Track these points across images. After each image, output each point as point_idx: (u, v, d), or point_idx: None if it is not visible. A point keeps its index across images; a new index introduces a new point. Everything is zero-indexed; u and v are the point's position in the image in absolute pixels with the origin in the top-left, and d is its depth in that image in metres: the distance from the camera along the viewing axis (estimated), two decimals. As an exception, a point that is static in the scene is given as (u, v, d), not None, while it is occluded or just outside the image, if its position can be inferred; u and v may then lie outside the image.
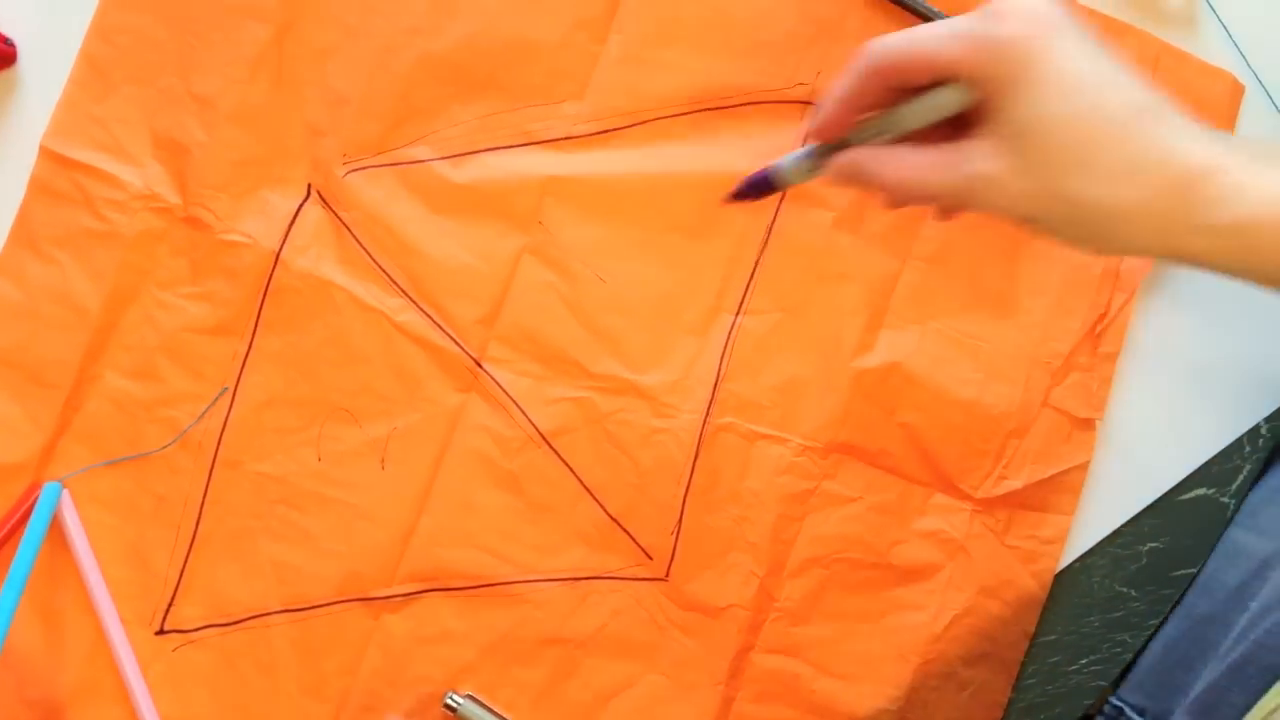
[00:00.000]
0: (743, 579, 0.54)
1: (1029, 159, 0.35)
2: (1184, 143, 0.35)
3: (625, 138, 0.53)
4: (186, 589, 0.53)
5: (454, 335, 0.53)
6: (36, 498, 0.51)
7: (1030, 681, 0.55)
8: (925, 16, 0.53)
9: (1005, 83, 0.34)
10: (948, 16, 0.53)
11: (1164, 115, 0.35)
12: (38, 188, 0.52)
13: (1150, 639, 0.55)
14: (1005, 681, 0.54)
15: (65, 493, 0.52)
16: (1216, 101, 0.54)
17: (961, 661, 0.54)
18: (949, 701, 0.54)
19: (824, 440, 0.54)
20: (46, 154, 0.52)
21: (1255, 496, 0.55)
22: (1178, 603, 0.54)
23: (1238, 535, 0.54)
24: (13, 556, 0.51)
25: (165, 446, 0.52)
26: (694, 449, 0.54)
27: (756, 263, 0.54)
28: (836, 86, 0.38)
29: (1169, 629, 0.54)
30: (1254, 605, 0.49)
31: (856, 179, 0.39)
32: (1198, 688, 0.49)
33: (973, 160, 0.36)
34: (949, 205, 0.38)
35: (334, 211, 0.53)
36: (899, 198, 0.38)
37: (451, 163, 0.53)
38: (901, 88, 0.37)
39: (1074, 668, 0.55)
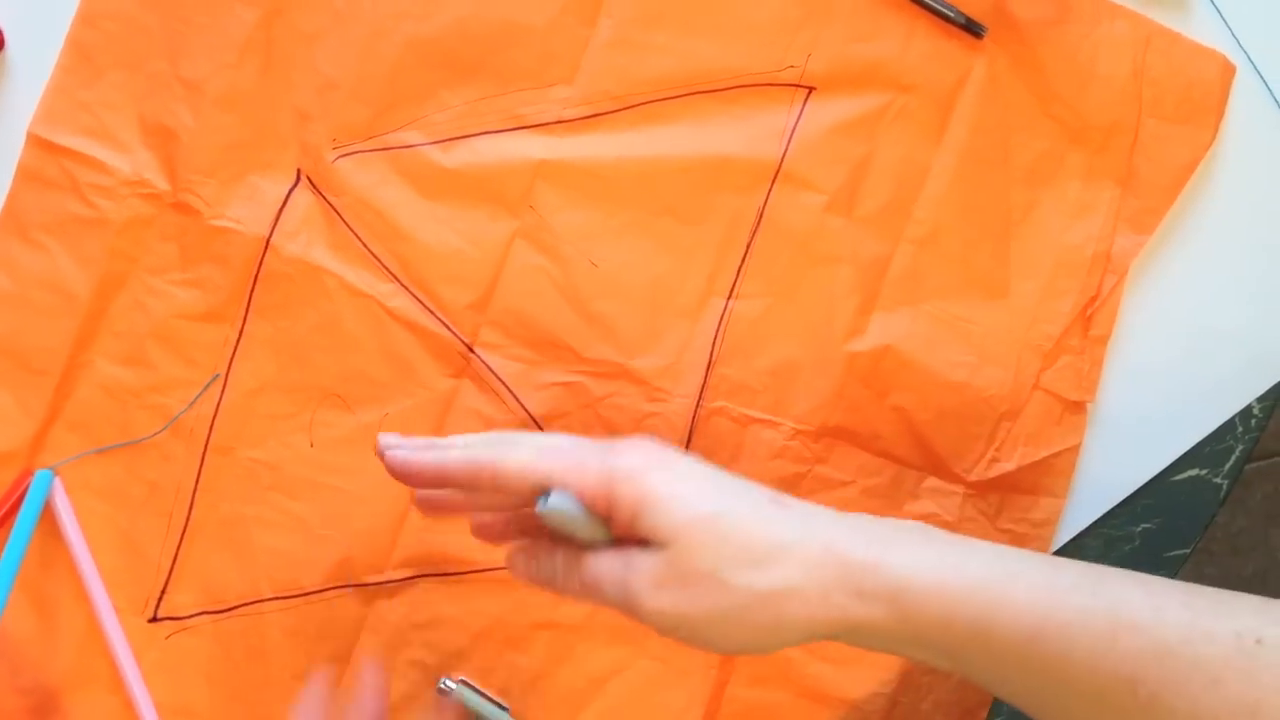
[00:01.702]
0: (736, 563, 0.54)
1: (674, 563, 0.38)
2: (819, 524, 0.39)
3: (615, 121, 0.53)
4: (179, 576, 0.53)
5: (445, 320, 0.53)
6: (28, 485, 0.51)
7: (1023, 664, 0.55)
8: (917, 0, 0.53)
9: (634, 505, 0.38)
10: (940, 0, 0.53)
11: (788, 502, 0.39)
12: (26, 175, 0.52)
13: None
14: (998, 663, 0.54)
15: (57, 480, 0.52)
16: (1208, 83, 0.54)
17: (954, 644, 0.54)
18: (941, 684, 0.54)
19: (816, 424, 0.54)
20: (34, 140, 0.52)
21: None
22: None
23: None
24: (4, 545, 0.51)
25: (156, 434, 0.52)
26: (686, 433, 0.54)
27: (748, 246, 0.54)
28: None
29: None
30: None
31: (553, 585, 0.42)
32: None
33: (631, 565, 0.39)
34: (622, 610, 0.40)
35: (324, 196, 0.53)
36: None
37: (441, 147, 0.53)
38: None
39: (1067, 650, 0.55)
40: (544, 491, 0.39)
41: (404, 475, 0.42)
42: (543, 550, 0.42)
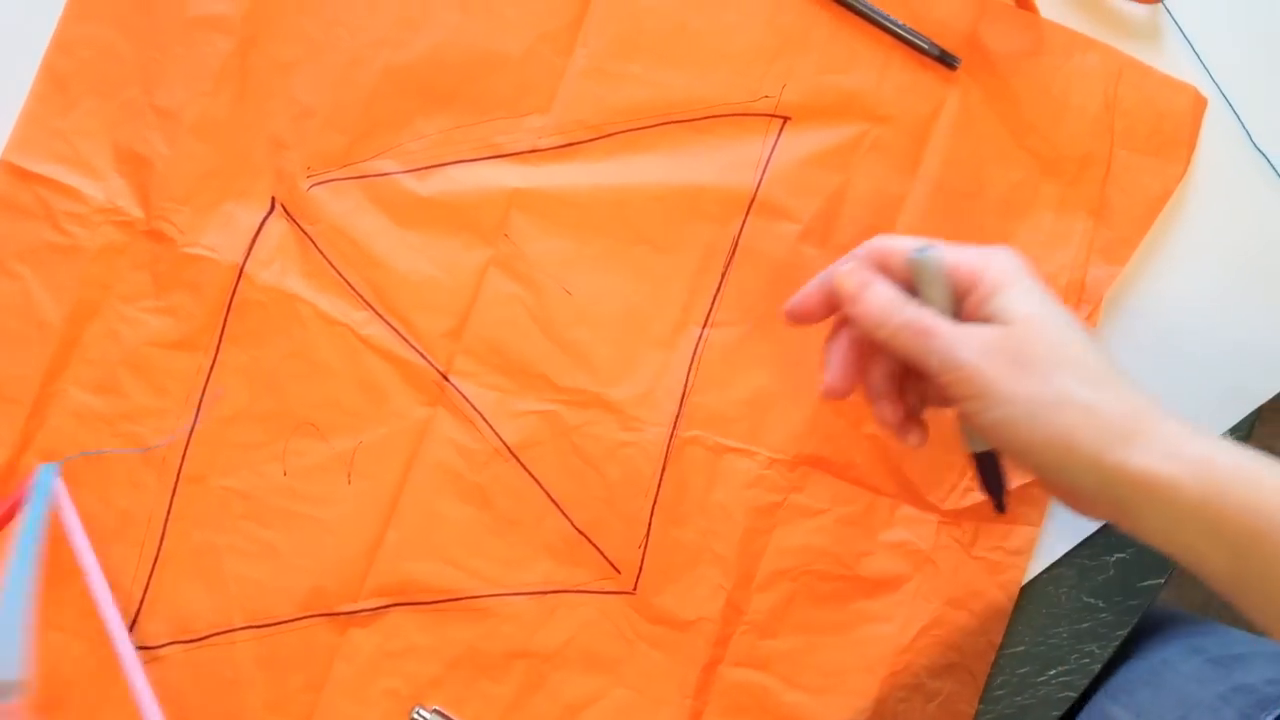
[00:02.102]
0: (710, 592, 0.54)
1: (1006, 340, 0.39)
2: (1126, 381, 0.39)
3: (591, 150, 0.53)
4: (150, 605, 0.52)
5: (420, 349, 0.53)
6: (30, 482, 0.50)
7: (999, 693, 0.55)
8: (890, 30, 0.53)
9: (997, 283, 0.41)
10: (910, 29, 0.53)
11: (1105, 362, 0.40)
12: (-1, 201, 0.52)
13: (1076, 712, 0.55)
14: (972, 692, 0.54)
15: (59, 478, 0.51)
16: (1180, 115, 0.54)
17: (928, 673, 0.54)
18: (916, 713, 0.54)
19: (791, 453, 0.54)
20: (7, 167, 0.52)
21: (1130, 672, 0.56)
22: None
23: (1112, 710, 0.54)
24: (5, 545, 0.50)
25: (156, 446, 0.52)
26: (661, 462, 0.54)
27: (723, 275, 0.54)
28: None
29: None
30: None
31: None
32: None
33: (964, 329, 0.41)
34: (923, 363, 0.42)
35: (298, 225, 0.53)
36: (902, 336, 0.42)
37: (417, 176, 0.53)
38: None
39: (1042, 679, 0.55)
40: (922, 249, 0.42)
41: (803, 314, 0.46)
42: (882, 281, 0.43)
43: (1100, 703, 0.55)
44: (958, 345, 0.40)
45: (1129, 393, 0.39)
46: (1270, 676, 0.52)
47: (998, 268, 0.41)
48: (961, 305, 0.42)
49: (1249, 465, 0.37)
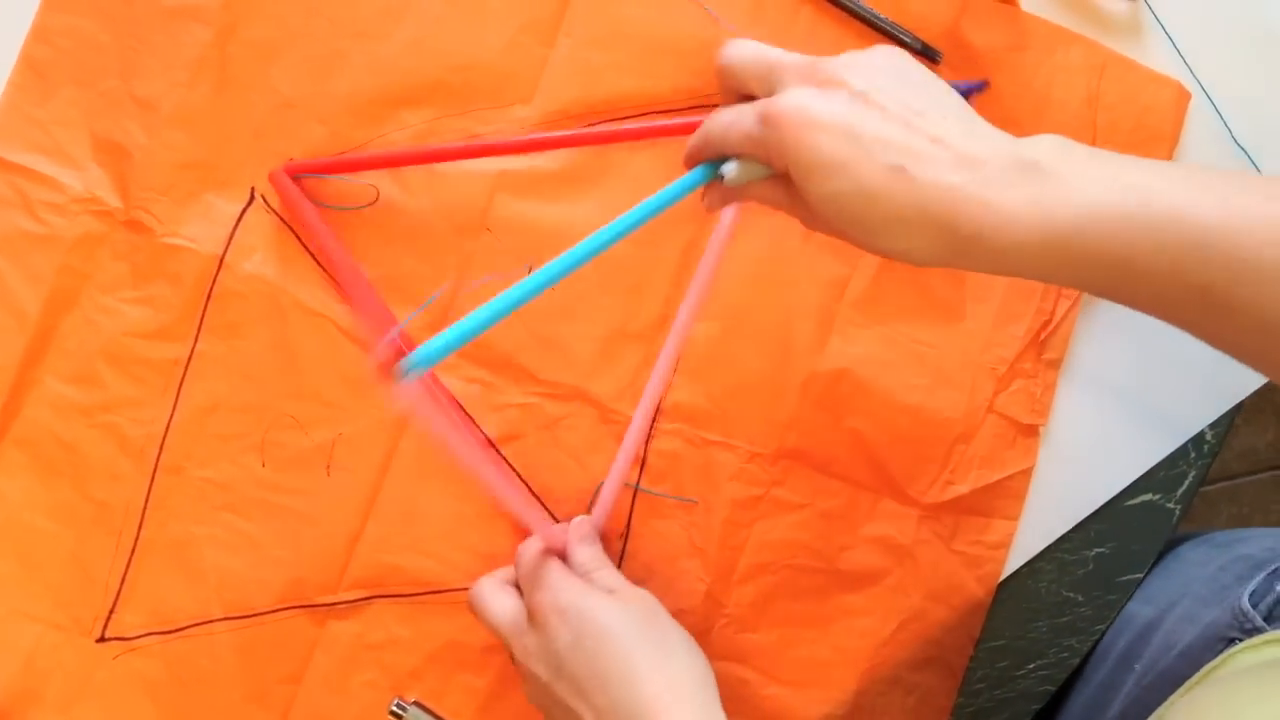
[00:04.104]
0: (691, 585, 0.54)
1: (821, 216, 0.39)
2: (941, 182, 0.37)
3: (573, 142, 0.53)
4: (128, 596, 0.52)
5: (401, 341, 0.53)
6: None
7: (979, 686, 0.55)
8: (872, 23, 0.53)
9: (791, 167, 0.39)
10: (892, 23, 0.53)
11: (921, 160, 0.37)
12: (-23, 190, 0.51)
13: (1064, 703, 0.56)
14: (951, 686, 0.55)
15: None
16: (1163, 109, 0.54)
17: (908, 666, 0.54)
18: (896, 706, 0.54)
19: (772, 447, 0.54)
20: (-15, 156, 0.51)
21: (1150, 576, 0.56)
22: (1082, 665, 0.56)
23: (1129, 605, 0.55)
24: None
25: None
26: (642, 456, 0.54)
27: (705, 268, 0.54)
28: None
29: (1073, 698, 0.55)
30: (1138, 668, 0.51)
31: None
32: None
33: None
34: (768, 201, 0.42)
35: (278, 215, 0.52)
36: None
37: (399, 167, 0.53)
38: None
39: (1021, 672, 0.55)
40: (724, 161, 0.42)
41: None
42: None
43: (1126, 606, 0.56)
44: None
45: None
46: (1269, 545, 0.53)
47: (776, 148, 0.39)
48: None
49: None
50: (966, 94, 0.50)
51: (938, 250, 0.37)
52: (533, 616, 0.47)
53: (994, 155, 0.37)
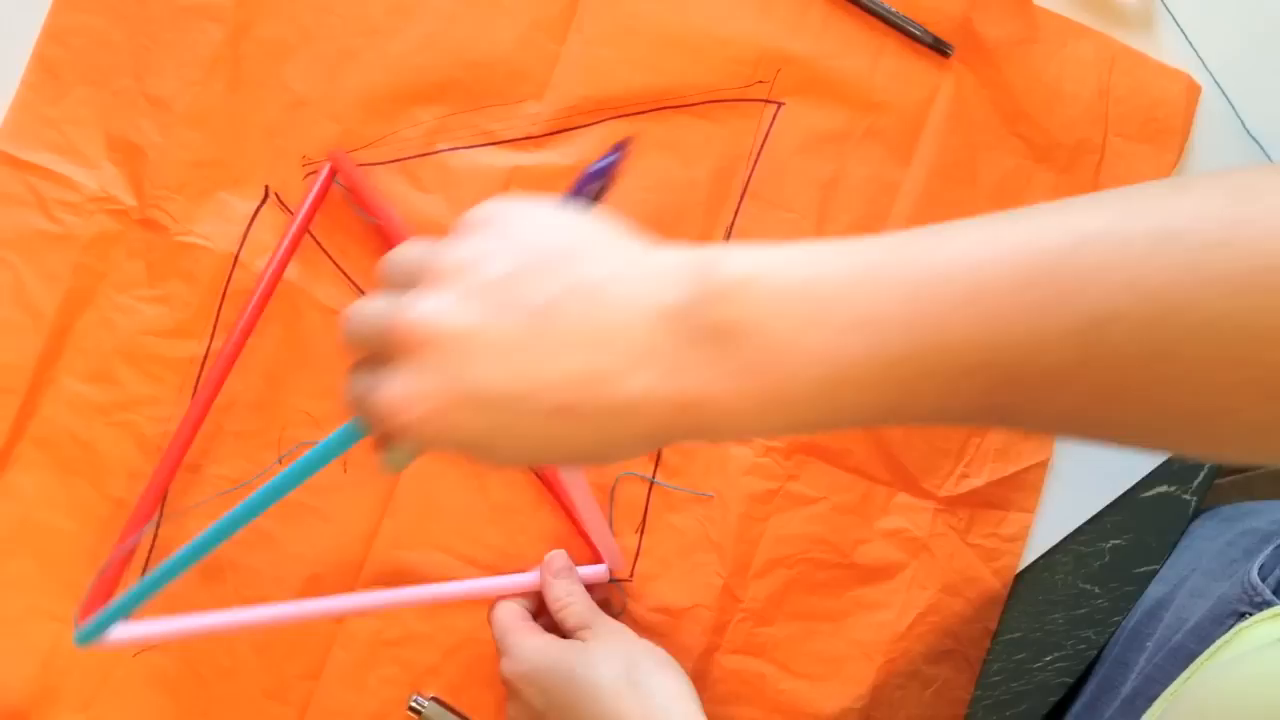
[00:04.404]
0: (707, 580, 0.54)
1: None
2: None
3: (585, 136, 0.53)
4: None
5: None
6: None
7: (996, 679, 0.55)
8: (884, 17, 0.53)
9: None
10: (903, 16, 0.53)
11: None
12: (-9, 190, 0.51)
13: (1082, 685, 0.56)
14: (968, 678, 0.55)
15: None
16: (1174, 102, 0.54)
17: (925, 659, 0.54)
18: (913, 699, 0.54)
19: (787, 441, 0.54)
20: (-1, 156, 0.51)
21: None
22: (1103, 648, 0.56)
23: (1150, 589, 0.55)
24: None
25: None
26: (657, 451, 0.54)
27: (718, 263, 0.54)
28: None
29: (1090, 678, 0.55)
30: (1149, 645, 0.51)
31: None
32: None
33: None
34: None
35: (292, 213, 0.52)
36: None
37: (412, 164, 0.53)
38: None
39: (1039, 664, 0.55)
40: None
41: None
42: None
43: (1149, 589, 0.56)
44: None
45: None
46: (1277, 518, 0.52)
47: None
48: None
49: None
50: (606, 171, 0.40)
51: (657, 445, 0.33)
52: (507, 685, 0.49)
53: (669, 334, 0.30)
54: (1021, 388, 0.28)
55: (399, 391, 0.30)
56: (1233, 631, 0.45)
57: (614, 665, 0.47)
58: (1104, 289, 0.27)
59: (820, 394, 0.29)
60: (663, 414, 0.30)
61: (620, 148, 0.41)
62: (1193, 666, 0.45)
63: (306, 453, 0.37)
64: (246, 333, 0.52)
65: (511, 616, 0.51)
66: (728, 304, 0.29)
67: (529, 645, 0.49)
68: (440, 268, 0.31)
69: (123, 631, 0.48)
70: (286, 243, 0.51)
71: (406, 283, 0.32)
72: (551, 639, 0.50)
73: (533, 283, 0.30)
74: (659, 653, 0.49)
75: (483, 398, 0.30)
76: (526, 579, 0.52)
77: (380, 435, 0.33)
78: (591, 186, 0.40)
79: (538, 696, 0.48)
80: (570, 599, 0.51)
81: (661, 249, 0.32)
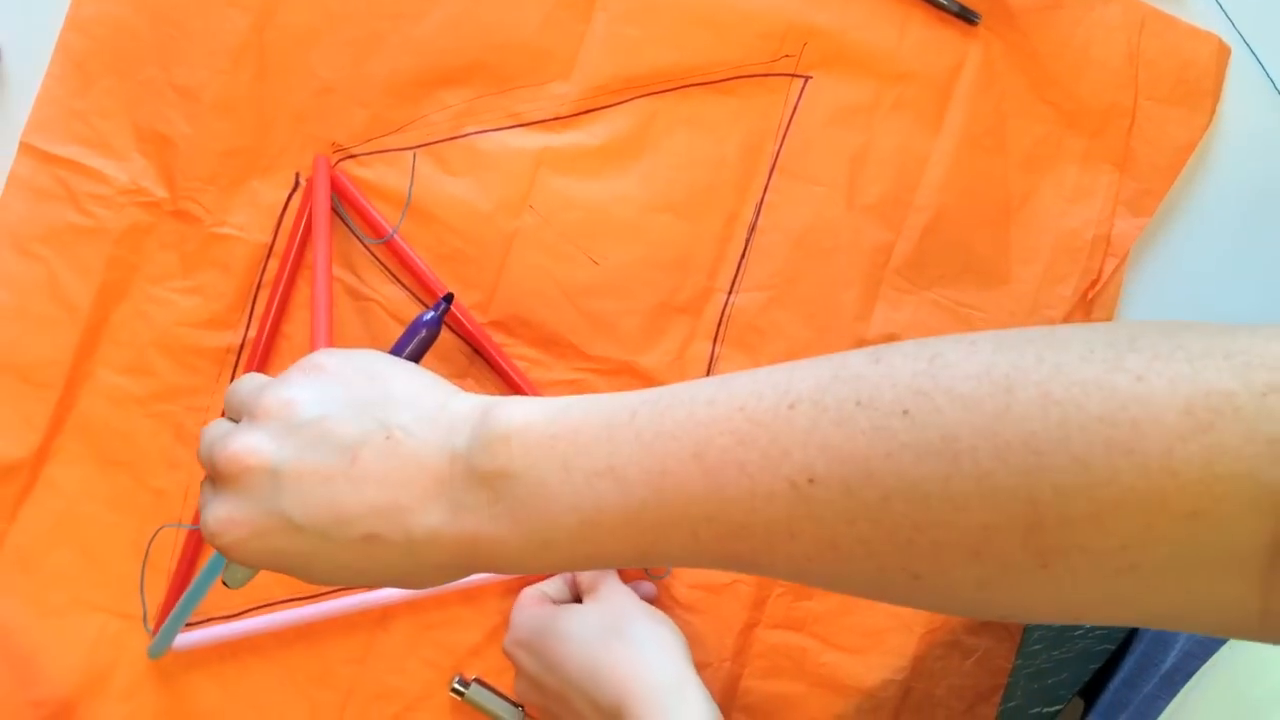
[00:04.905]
0: (745, 555, 0.54)
1: None
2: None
3: (613, 116, 0.53)
4: (190, 582, 0.52)
5: (449, 323, 0.53)
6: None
7: (1036, 647, 0.55)
8: (911, -14, 0.53)
9: None
10: (934, -15, 0.53)
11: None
12: (19, 185, 0.51)
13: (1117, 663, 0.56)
14: (1009, 648, 0.55)
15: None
16: (1204, 64, 0.54)
17: (965, 629, 0.54)
18: (954, 669, 0.54)
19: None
20: (27, 150, 0.51)
21: None
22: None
23: None
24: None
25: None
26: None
27: (748, 241, 0.54)
28: None
29: (1129, 653, 0.55)
30: None
31: None
32: (1135, 700, 0.51)
33: None
34: None
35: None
36: None
37: (440, 148, 0.53)
38: None
39: (1079, 631, 0.55)
40: None
41: None
42: None
43: None
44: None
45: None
46: None
47: None
48: None
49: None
50: (430, 323, 0.48)
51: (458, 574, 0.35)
52: (509, 660, 0.51)
53: (456, 477, 0.33)
54: (751, 538, 0.31)
55: (220, 514, 0.35)
56: None
57: (603, 619, 0.48)
58: (805, 453, 0.29)
59: (580, 538, 0.32)
60: (456, 547, 0.33)
61: (446, 301, 0.48)
62: (1231, 642, 0.45)
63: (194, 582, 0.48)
64: (277, 321, 0.52)
65: (523, 596, 0.52)
66: (494, 452, 0.33)
67: (525, 615, 0.50)
68: (265, 405, 0.35)
69: (185, 640, 0.51)
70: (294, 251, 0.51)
71: (238, 414, 0.37)
72: (549, 607, 0.50)
73: (344, 424, 0.34)
74: (654, 611, 0.50)
75: (295, 524, 0.34)
76: None
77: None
78: (416, 338, 0.47)
79: (533, 661, 0.49)
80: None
81: (460, 397, 0.36)
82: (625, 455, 0.32)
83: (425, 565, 0.34)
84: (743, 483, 0.30)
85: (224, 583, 0.40)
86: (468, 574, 0.35)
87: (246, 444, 0.34)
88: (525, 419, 0.33)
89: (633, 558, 0.33)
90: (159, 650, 0.51)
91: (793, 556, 0.31)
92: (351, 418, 0.34)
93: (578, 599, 0.52)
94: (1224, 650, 0.46)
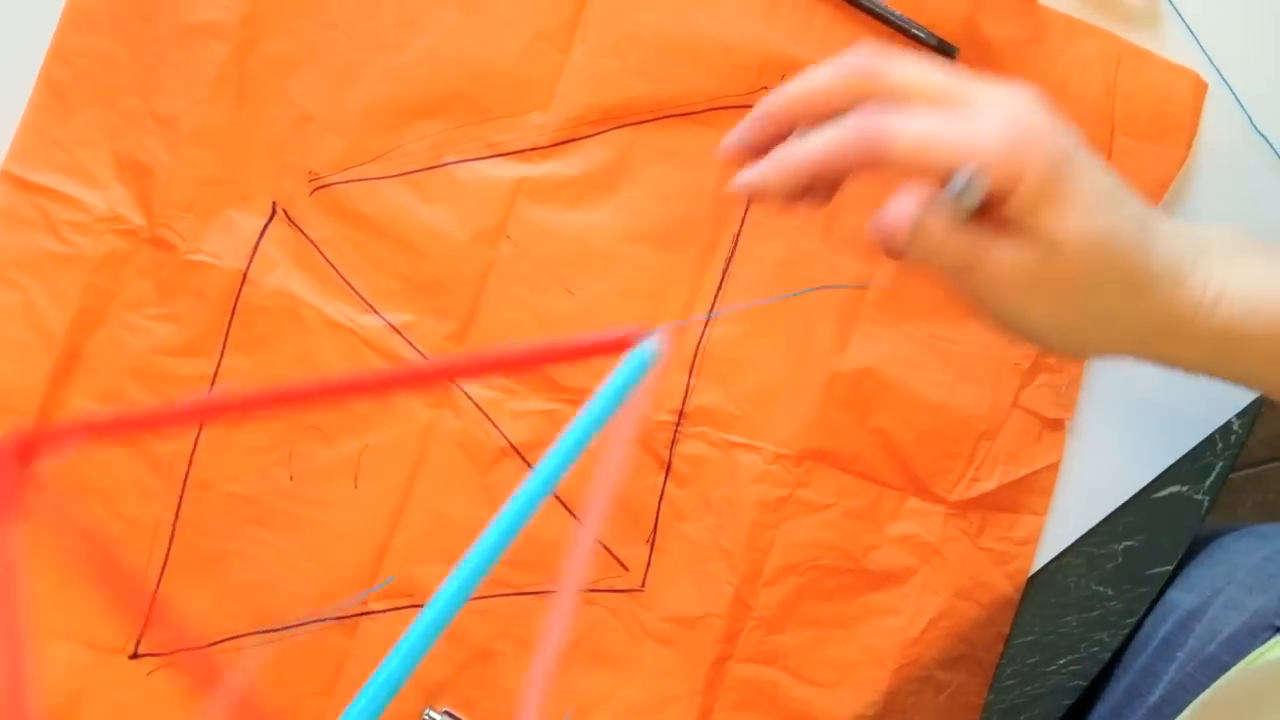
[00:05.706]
0: (718, 588, 0.54)
1: (1051, 272, 0.35)
2: (1172, 257, 0.37)
3: (591, 147, 0.53)
4: (159, 613, 0.52)
5: (424, 352, 0.53)
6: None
7: (1010, 683, 0.55)
8: (887, 20, 0.53)
9: (1036, 194, 0.34)
10: (908, 19, 0.53)
11: (1153, 227, 0.37)
12: None
13: (1102, 691, 0.56)
14: (981, 683, 0.54)
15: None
16: (1180, 100, 0.54)
17: (938, 665, 0.54)
18: (926, 705, 0.54)
19: (797, 447, 0.54)
20: (6, 178, 0.52)
21: (1192, 562, 0.56)
22: (1121, 652, 0.56)
23: (1170, 594, 0.55)
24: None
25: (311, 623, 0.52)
26: (666, 458, 0.54)
27: (724, 272, 0.54)
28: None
29: (1110, 687, 0.55)
30: (1180, 656, 0.51)
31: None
32: None
33: (1000, 247, 0.36)
34: (952, 264, 0.37)
35: (300, 229, 0.53)
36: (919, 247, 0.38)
37: (418, 177, 0.53)
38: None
39: (1052, 668, 0.55)
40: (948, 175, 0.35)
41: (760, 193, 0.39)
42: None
43: (1167, 595, 0.55)
44: (999, 287, 0.36)
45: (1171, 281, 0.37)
46: None
47: (1036, 175, 0.34)
48: (996, 207, 0.36)
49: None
50: None
51: (1138, 333, 0.37)
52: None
53: (1217, 233, 0.37)
54: None
55: (1046, 121, 0.35)
56: (1268, 645, 0.45)
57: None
58: None
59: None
60: (1212, 323, 0.37)
61: None
62: (1225, 676, 0.45)
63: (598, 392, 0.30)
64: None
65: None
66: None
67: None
68: None
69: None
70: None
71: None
72: None
73: None
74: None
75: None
76: None
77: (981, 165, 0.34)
78: None
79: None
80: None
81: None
82: None
83: (1145, 288, 0.36)
84: None
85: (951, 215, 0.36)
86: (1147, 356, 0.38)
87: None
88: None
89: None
90: None
91: None
92: None
93: None
94: (1219, 685, 0.45)
